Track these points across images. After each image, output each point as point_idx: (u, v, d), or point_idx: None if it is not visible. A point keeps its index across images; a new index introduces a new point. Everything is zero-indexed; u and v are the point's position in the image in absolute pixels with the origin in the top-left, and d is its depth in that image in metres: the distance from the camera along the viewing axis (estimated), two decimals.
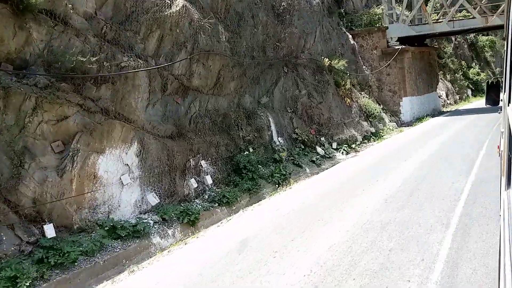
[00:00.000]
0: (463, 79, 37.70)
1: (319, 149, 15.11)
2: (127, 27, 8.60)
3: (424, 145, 15.12)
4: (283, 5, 15.58)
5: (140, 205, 8.19)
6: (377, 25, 24.22)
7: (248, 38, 13.43)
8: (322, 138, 15.96)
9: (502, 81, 5.37)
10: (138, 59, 8.47)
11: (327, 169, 13.92)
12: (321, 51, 18.44)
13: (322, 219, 7.74)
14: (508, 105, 2.96)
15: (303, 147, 14.80)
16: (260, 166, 12.22)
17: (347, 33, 22.25)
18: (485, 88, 6.27)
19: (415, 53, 25.63)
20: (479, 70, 41.87)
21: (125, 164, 7.99)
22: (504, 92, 3.73)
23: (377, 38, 24.10)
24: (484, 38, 45.44)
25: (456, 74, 37.07)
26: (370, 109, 19.08)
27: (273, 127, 13.88)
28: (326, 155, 15.10)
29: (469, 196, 7.92)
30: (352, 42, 22.03)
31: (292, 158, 13.68)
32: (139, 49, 8.79)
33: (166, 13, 9.26)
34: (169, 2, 9.47)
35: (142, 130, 8.40)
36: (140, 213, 8.18)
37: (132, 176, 8.09)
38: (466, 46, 42.80)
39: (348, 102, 18.27)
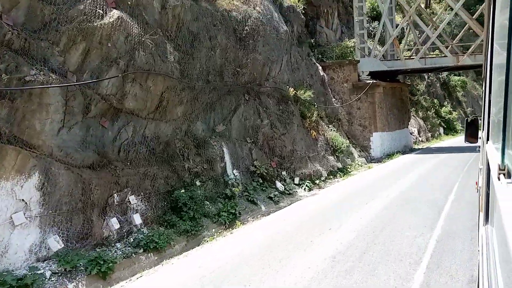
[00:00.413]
0: (435, 117, 37.69)
1: (279, 184, 13.84)
2: (42, 36, 7.28)
3: (390, 185, 14.07)
4: (247, 30, 14.64)
5: (37, 251, 6.62)
6: (349, 58, 23.71)
7: (203, 61, 12.30)
8: (284, 172, 14.74)
9: (480, 119, 5.57)
10: (51, 74, 7.11)
11: (285, 207, 12.61)
12: (288, 80, 17.52)
13: (249, 284, 6.20)
14: (487, 143, 3.11)
15: (261, 181, 13.52)
16: (208, 203, 10.83)
17: (317, 64, 21.56)
18: (464, 125, 6.36)
19: (386, 89, 25.16)
20: (451, 109, 42.16)
21: (20, 200, 6.48)
22: (483, 130, 3.85)
23: (348, 71, 23.55)
24: (456, 78, 46.18)
25: (428, 112, 37.04)
26: (337, 143, 18.09)
27: (227, 158, 12.58)
28: (286, 191, 13.83)
29: (433, 257, 6.64)
30: (321, 73, 21.31)
31: (247, 193, 12.35)
32: (57, 62, 7.44)
33: (95, 24, 8.01)
34: (102, 12, 8.24)
35: (48, 158, 6.94)
36: (38, 261, 6.61)
37: (30, 214, 6.56)
38: (438, 84, 43.24)
39: (314, 135, 17.24)
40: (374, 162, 22.35)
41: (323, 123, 18.98)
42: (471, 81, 50.00)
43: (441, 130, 39.09)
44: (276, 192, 13.42)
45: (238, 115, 13.99)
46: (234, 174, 12.69)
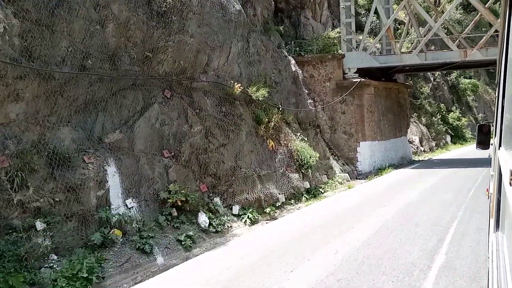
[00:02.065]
0: (441, 124, 33.22)
1: (202, 218, 9.76)
2: None
3: (362, 218, 9.93)
4: (169, 1, 10.66)
5: None
6: (332, 52, 19.58)
7: (77, 38, 8.35)
8: (216, 199, 10.67)
9: (492, 125, 5.45)
10: None
11: (198, 255, 8.55)
12: (240, 75, 13.47)
13: None
14: (499, 149, 3.08)
15: (175, 214, 9.48)
16: (55, 257, 6.84)
17: (289, 57, 17.47)
18: (476, 132, 6.20)
19: (378, 89, 20.95)
20: (460, 115, 37.61)
21: None
22: (495, 136, 3.94)
23: (332, 67, 19.43)
24: (467, 80, 41.65)
25: (433, 118, 32.63)
26: (303, 157, 13.95)
27: (114, 182, 8.56)
28: (213, 228, 9.75)
29: None
30: (294, 69, 17.21)
31: (139, 236, 8.29)
32: None
33: None
34: None
35: None
36: None
37: None
38: (446, 88, 38.78)
39: (272, 146, 13.14)
40: (361, 178, 18.19)
41: (289, 131, 14.86)
42: (483, 85, 45.31)
43: (448, 138, 34.61)
44: (195, 231, 9.34)
45: (149, 119, 9.98)
46: (126, 205, 8.66)
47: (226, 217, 10.38)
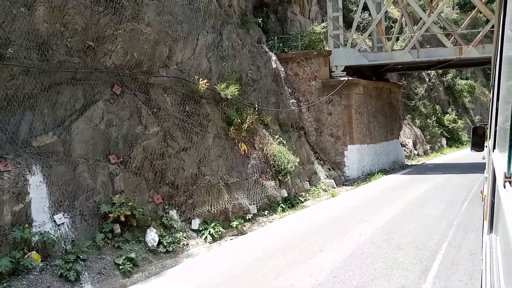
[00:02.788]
0: (436, 126, 31.91)
1: (150, 236, 8.36)
2: None
3: (343, 233, 8.57)
4: None
5: None
6: (318, 48, 18.22)
7: None
8: (172, 212, 9.28)
9: (487, 128, 5.44)
10: None
11: (139, 281, 7.16)
12: (209, 70, 12.09)
13: None
14: (493, 151, 3.08)
15: (118, 231, 8.09)
16: None
17: (269, 53, 16.10)
18: (470, 133, 6.15)
19: (368, 89, 19.61)
20: (456, 117, 36.32)
21: None
22: (489, 138, 3.89)
23: (317, 65, 18.08)
24: (463, 81, 40.38)
25: (428, 120, 31.33)
26: (280, 162, 12.56)
27: (38, 194, 7.16)
28: (163, 247, 8.35)
29: None
30: (275, 65, 15.83)
31: (66, 260, 6.88)
32: None
33: None
34: None
35: None
36: None
37: None
38: (442, 88, 37.51)
39: (244, 150, 11.76)
40: (348, 185, 16.85)
41: (267, 133, 13.48)
42: (480, 86, 44.09)
43: (444, 141, 33.33)
44: (139, 252, 7.95)
45: (91, 119, 8.59)
46: (54, 222, 7.26)
47: (182, 233, 8.99)
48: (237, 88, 11.61)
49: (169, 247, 8.39)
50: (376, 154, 19.88)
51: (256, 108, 13.48)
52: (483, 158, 6.21)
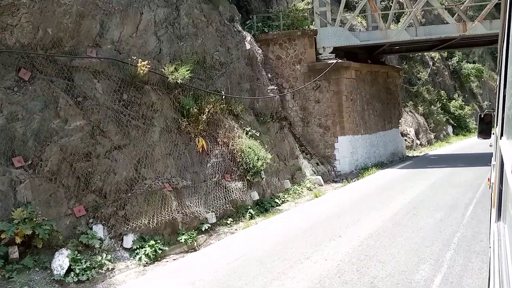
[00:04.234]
0: (441, 113, 29.63)
1: (57, 261, 6.45)
2: None
3: (291, 269, 6.59)
4: None
5: None
6: (302, 27, 16.08)
7: None
8: (97, 227, 7.34)
9: (494, 115, 5.19)
10: None
11: None
12: (159, 51, 10.07)
13: None
14: (501, 138, 3.05)
15: (16, 255, 6.20)
16: None
17: (244, 33, 14.02)
18: (477, 121, 5.97)
19: (361, 73, 17.47)
20: (463, 103, 33.95)
21: None
22: (496, 125, 3.86)
23: (302, 46, 15.97)
24: (470, 65, 37.90)
25: (432, 106, 29.06)
26: (250, 159, 10.55)
27: None
28: (75, 275, 6.43)
29: None
30: (249, 46, 13.75)
31: None
32: None
33: None
34: None
35: None
36: None
37: None
38: (447, 73, 35.11)
39: (203, 146, 9.77)
40: (338, 181, 14.84)
41: (235, 125, 11.46)
42: (488, 70, 41.52)
43: (450, 129, 31.05)
44: (39, 283, 6.04)
45: None
46: None
47: (107, 254, 7.06)
48: (189, 70, 9.56)
49: (82, 275, 6.47)
50: (372, 145, 17.80)
51: (223, 96, 11.47)
52: (490, 146, 6.07)
